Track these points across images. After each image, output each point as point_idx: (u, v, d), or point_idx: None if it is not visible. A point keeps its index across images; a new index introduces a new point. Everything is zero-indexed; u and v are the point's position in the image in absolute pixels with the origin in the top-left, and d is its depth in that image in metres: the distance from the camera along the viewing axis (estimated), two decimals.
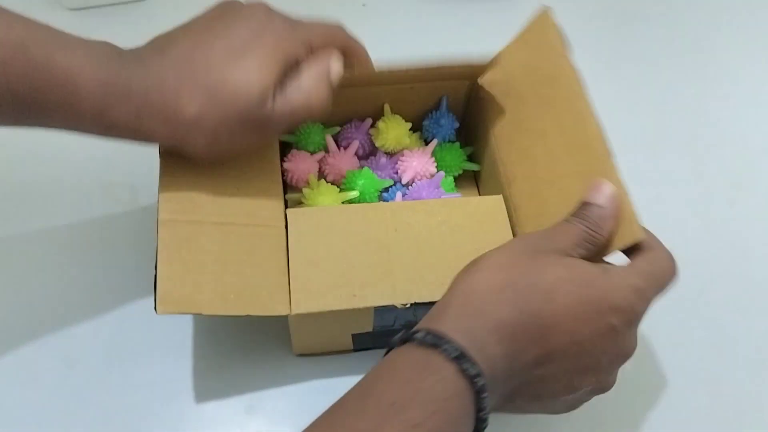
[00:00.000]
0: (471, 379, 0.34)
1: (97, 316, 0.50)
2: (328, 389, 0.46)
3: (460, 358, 0.34)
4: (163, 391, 0.48)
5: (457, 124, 0.56)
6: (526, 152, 0.48)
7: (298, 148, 0.54)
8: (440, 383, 0.34)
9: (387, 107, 0.54)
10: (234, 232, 0.45)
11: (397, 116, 0.54)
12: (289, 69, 0.43)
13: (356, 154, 0.54)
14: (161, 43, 0.43)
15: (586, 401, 0.41)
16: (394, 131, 0.53)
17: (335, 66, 0.44)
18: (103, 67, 0.40)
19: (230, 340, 0.50)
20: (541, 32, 0.48)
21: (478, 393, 0.34)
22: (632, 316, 0.38)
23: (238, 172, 0.48)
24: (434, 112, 0.55)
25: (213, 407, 0.47)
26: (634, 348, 0.39)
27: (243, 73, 0.41)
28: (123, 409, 0.47)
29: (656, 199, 0.58)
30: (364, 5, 0.68)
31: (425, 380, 0.34)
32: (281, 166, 0.52)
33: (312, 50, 0.44)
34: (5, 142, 0.48)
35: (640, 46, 0.70)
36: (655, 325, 0.49)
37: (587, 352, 0.37)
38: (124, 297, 0.51)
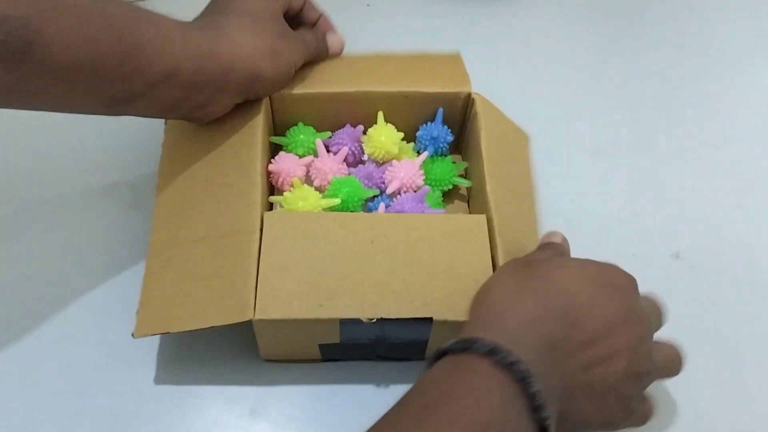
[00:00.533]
0: (508, 367, 0.33)
1: (99, 317, 0.50)
2: (330, 394, 0.47)
3: (492, 351, 0.34)
4: (166, 394, 0.47)
5: (451, 137, 0.54)
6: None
7: (287, 151, 0.53)
8: (475, 378, 0.33)
9: (381, 115, 0.54)
10: (211, 245, 0.46)
11: (390, 125, 0.54)
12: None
13: (345, 160, 0.53)
14: (219, 18, 0.48)
15: (643, 401, 0.41)
16: (384, 139, 0.52)
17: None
18: (193, 34, 0.45)
19: (234, 342, 0.49)
20: None
21: (523, 381, 0.33)
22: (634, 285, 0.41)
23: (223, 177, 0.48)
24: (428, 124, 0.54)
25: (217, 411, 0.47)
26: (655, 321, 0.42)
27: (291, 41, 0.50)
28: (125, 412, 0.47)
29: (661, 202, 0.58)
30: (368, 5, 0.68)
31: (459, 380, 0.34)
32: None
33: None
34: (6, 141, 0.48)
35: (643, 47, 0.69)
36: (663, 329, 0.49)
37: (622, 331, 0.38)
38: (127, 299, 0.49)
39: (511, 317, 0.37)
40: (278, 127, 0.55)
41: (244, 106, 0.51)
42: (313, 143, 0.53)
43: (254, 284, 0.43)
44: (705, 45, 0.70)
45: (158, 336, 0.48)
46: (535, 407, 0.33)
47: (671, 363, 0.43)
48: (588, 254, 0.42)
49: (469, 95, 0.53)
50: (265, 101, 0.51)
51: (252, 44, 0.47)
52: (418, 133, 0.55)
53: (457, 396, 0.33)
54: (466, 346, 0.34)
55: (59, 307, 0.50)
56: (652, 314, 0.42)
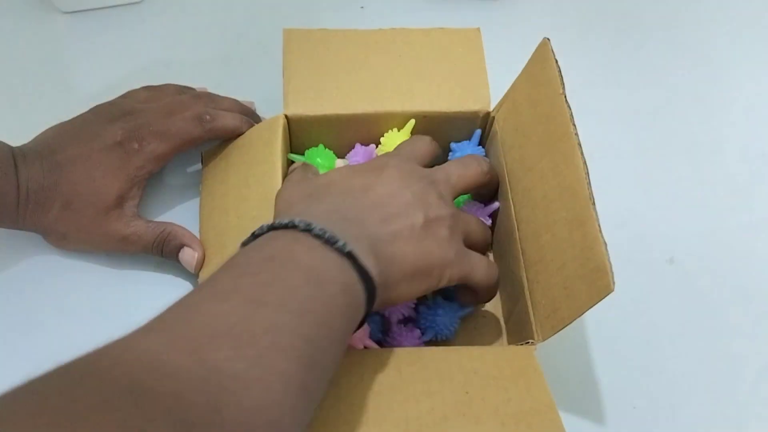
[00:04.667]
0: (306, 231, 0.36)
1: (103, 319, 0.51)
2: None
3: (288, 225, 0.37)
4: None
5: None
6: (529, 193, 0.47)
7: None
8: (279, 243, 0.37)
9: (411, 123, 0.53)
10: None
11: (404, 131, 0.54)
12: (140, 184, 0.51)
13: None
14: (45, 149, 0.49)
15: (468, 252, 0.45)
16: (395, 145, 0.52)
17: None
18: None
19: None
20: (542, 66, 0.46)
21: (321, 236, 0.36)
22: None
23: (251, 210, 0.50)
24: (463, 142, 0.55)
25: None
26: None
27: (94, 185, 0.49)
28: None
29: (656, 205, 0.58)
30: (362, 8, 0.68)
31: (263, 247, 0.37)
32: None
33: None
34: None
35: (639, 50, 0.68)
36: (656, 329, 0.51)
37: (404, 191, 0.43)
38: (131, 300, 0.52)
39: (300, 209, 0.42)
40: (296, 149, 0.56)
41: (263, 133, 0.52)
42: (331, 165, 0.54)
43: None
44: (701, 51, 0.68)
45: None
46: (334, 245, 0.36)
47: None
48: None
49: (488, 114, 0.53)
50: (283, 123, 0.52)
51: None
52: (454, 151, 0.55)
53: (269, 255, 0.36)
54: (268, 228, 0.38)
55: (63, 309, 0.51)
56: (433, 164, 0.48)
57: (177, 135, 0.51)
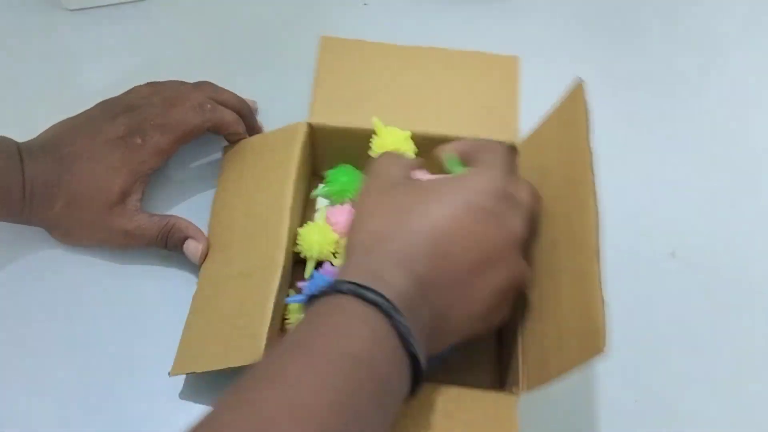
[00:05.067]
0: (372, 304, 0.35)
1: (109, 313, 0.52)
2: None
3: (356, 291, 0.35)
4: (173, 401, 0.48)
5: None
6: (539, 237, 0.45)
7: (330, 194, 0.53)
8: (342, 314, 0.35)
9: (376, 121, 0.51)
10: (241, 283, 0.48)
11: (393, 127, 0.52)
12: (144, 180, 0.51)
13: None
14: (50, 144, 0.51)
15: (510, 300, 0.42)
16: (390, 141, 0.51)
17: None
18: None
19: None
20: (572, 108, 0.45)
21: (389, 315, 0.34)
22: (499, 193, 0.41)
23: (258, 211, 0.50)
24: None
25: None
26: (520, 227, 0.41)
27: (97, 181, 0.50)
28: (134, 418, 0.48)
29: (658, 199, 0.58)
30: (365, 5, 0.67)
31: (327, 317, 0.35)
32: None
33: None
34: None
35: (638, 47, 0.68)
36: (659, 322, 0.52)
37: (495, 255, 0.40)
38: (136, 294, 0.53)
39: (378, 257, 0.38)
40: (318, 158, 0.55)
41: (283, 137, 0.52)
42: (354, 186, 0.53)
43: (267, 328, 0.44)
44: (701, 45, 0.68)
45: (167, 341, 0.49)
46: (402, 336, 0.34)
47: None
48: None
49: (513, 147, 0.51)
50: (305, 131, 0.52)
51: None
52: None
53: (324, 331, 0.34)
54: (333, 289, 0.36)
55: (68, 312, 0.52)
56: (527, 197, 0.43)
57: (177, 126, 0.52)
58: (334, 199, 0.53)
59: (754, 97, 0.65)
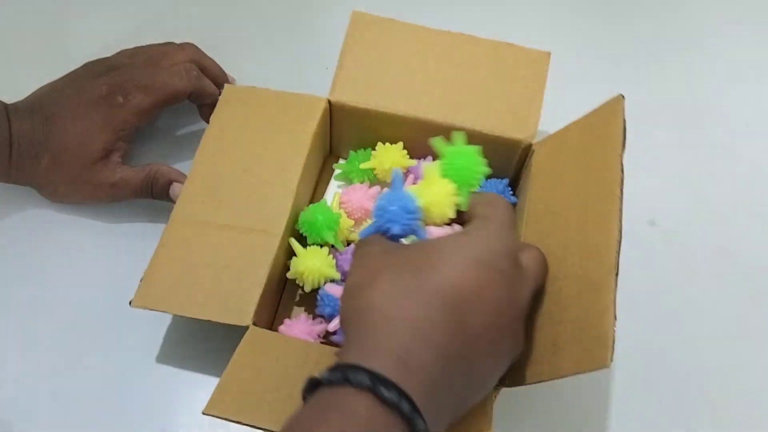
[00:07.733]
0: (391, 405, 0.30)
1: (98, 271, 0.52)
2: None
3: (373, 386, 0.30)
4: (164, 374, 0.49)
5: (515, 200, 0.53)
6: (545, 238, 0.45)
7: (347, 175, 0.54)
8: (354, 420, 0.30)
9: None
10: (232, 237, 0.47)
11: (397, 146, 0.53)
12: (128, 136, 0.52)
13: None
14: (36, 104, 0.52)
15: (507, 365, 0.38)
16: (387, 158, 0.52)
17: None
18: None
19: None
20: (607, 121, 0.44)
21: (409, 420, 0.30)
22: (509, 254, 0.38)
23: (262, 172, 0.49)
24: (492, 180, 0.54)
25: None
26: (527, 300, 0.39)
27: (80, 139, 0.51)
28: (118, 381, 0.48)
29: (637, 170, 0.53)
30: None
31: (335, 421, 0.30)
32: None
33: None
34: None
35: (622, 17, 0.69)
36: (638, 290, 0.52)
37: (488, 300, 0.35)
38: (124, 252, 0.53)
39: (395, 328, 0.33)
40: (334, 138, 0.55)
41: (302, 109, 0.51)
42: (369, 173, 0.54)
43: (260, 292, 0.44)
44: (684, 17, 0.69)
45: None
46: None
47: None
48: None
49: (530, 146, 0.51)
50: (324, 108, 0.51)
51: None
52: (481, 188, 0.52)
53: None
54: (343, 378, 0.31)
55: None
56: (534, 266, 0.40)
57: (161, 88, 0.52)
58: (353, 177, 0.54)
59: (736, 68, 0.66)
